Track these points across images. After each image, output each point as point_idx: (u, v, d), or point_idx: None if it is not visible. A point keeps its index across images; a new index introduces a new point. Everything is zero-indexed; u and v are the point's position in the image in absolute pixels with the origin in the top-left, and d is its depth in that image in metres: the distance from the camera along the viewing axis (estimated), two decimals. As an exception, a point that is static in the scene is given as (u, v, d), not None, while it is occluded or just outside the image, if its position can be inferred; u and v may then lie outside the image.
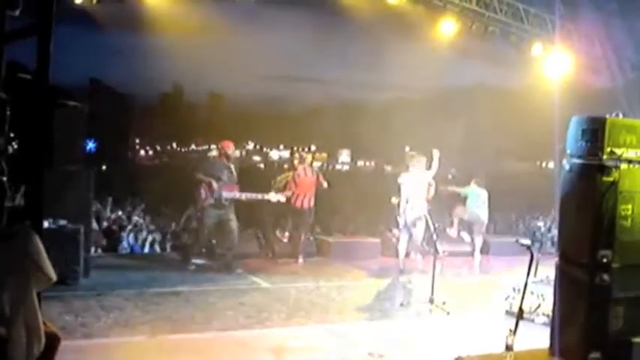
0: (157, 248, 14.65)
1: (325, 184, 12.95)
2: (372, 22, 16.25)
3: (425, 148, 12.52)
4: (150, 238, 14.69)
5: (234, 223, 11.53)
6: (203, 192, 11.45)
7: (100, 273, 10.72)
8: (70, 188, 9.68)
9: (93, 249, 12.10)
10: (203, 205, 11.49)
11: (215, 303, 9.32)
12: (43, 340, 3.41)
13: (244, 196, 11.67)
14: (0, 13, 3.40)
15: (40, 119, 3.24)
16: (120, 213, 15.72)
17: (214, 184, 11.34)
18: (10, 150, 3.53)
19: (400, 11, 15.42)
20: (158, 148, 57.03)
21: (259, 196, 11.88)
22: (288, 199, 12.42)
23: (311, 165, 13.40)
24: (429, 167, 12.09)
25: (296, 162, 13.16)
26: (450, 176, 11.43)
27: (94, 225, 12.90)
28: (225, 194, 11.40)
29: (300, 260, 12.73)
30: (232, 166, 11.70)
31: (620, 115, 6.35)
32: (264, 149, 64.23)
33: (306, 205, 12.78)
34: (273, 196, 11.83)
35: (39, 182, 3.14)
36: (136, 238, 14.51)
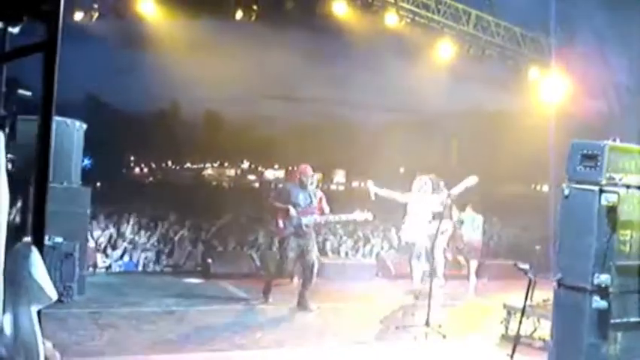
0: (152, 266, 14.58)
1: (327, 210, 11.77)
2: (370, 44, 16.37)
3: (421, 171, 12.50)
4: (144, 256, 14.62)
5: (314, 254, 10.74)
6: (280, 221, 10.66)
7: (95, 291, 10.68)
8: (66, 205, 9.65)
9: (88, 266, 12.04)
10: (283, 234, 10.68)
11: (210, 323, 9.27)
12: (42, 359, 3.38)
13: (325, 219, 11.01)
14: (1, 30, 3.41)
15: (42, 136, 3.22)
16: (115, 230, 15.63)
17: (292, 211, 10.56)
18: (10, 166, 3.53)
19: (398, 33, 15.53)
20: (153, 165, 56.93)
21: (343, 217, 11.36)
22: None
23: (317, 187, 12.27)
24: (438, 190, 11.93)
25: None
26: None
27: (89, 242, 12.84)
28: (305, 220, 10.62)
29: (295, 280, 12.42)
30: (310, 191, 10.91)
31: (618, 141, 6.39)
32: (259, 168, 64.23)
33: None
34: (358, 215, 11.05)
35: (42, 199, 3.12)
36: (130, 256, 14.44)
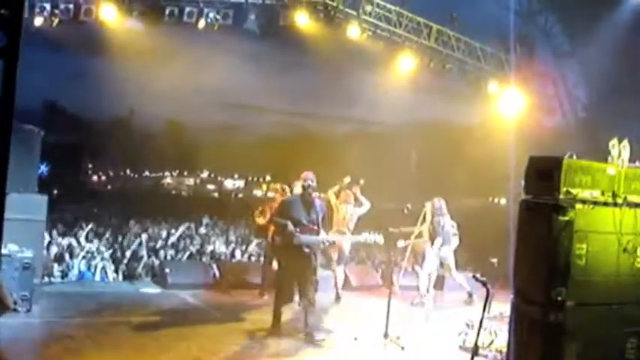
0: (109, 275, 14.38)
1: None
2: (332, 55, 16.42)
3: (378, 181, 12.58)
4: (101, 265, 14.42)
5: (313, 277, 9.53)
6: (278, 239, 9.58)
7: (50, 300, 10.49)
8: (22, 213, 9.47)
9: (43, 275, 11.83)
10: (278, 253, 9.75)
11: (168, 333, 9.17)
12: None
13: (329, 240, 9.90)
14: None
15: (0, 143, 3.17)
16: (71, 239, 15.40)
17: (290, 227, 9.25)
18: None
19: (360, 46, 15.62)
20: (111, 173, 56.30)
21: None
22: (267, 234, 11.70)
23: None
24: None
25: (272, 194, 12.25)
26: (405, 211, 11.36)
27: (45, 251, 12.63)
28: (305, 239, 9.30)
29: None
30: (317, 205, 9.52)
31: (574, 157, 6.50)
32: (219, 178, 63.86)
33: None
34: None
35: (0, 209, 3.07)
36: (87, 265, 14.24)
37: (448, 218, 12.56)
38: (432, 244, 12.45)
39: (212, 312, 10.88)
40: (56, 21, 13.27)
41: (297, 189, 11.57)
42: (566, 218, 6.15)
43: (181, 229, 17.46)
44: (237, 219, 19.55)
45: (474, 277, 6.79)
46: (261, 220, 11.97)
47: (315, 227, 9.35)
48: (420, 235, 12.87)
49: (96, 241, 15.51)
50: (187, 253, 15.83)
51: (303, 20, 14.57)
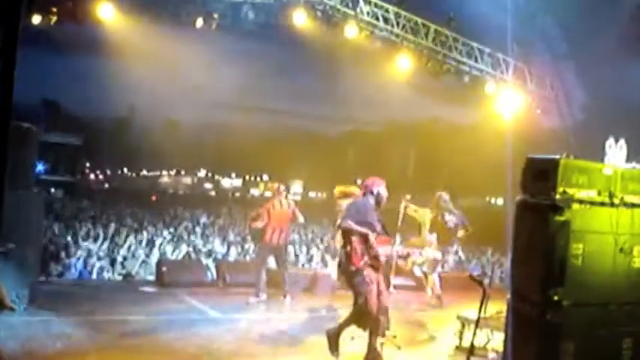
0: (106, 275, 14.40)
1: (301, 219, 11.92)
2: (329, 55, 16.45)
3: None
4: (99, 265, 14.43)
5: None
6: (359, 248, 7.88)
7: (47, 299, 10.47)
8: (19, 211, 9.47)
9: (41, 274, 11.83)
10: (358, 266, 7.86)
11: (165, 332, 9.18)
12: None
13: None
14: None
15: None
16: (68, 237, 15.42)
17: (371, 238, 8.00)
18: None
19: (357, 46, 15.65)
20: (109, 172, 56.35)
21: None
22: (263, 235, 11.66)
23: (287, 197, 12.03)
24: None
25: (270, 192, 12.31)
26: (408, 197, 11.15)
27: (42, 249, 12.63)
28: (383, 250, 8.42)
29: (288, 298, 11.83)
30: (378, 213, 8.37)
31: (571, 156, 6.51)
32: (216, 177, 63.89)
33: (282, 241, 11.74)
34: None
35: (-1, 207, 3.08)
36: (84, 264, 14.24)
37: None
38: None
39: (209, 311, 10.88)
40: (54, 19, 13.27)
41: (295, 188, 11.67)
42: (563, 218, 6.16)
43: (179, 227, 17.48)
44: (234, 217, 19.57)
45: (470, 276, 6.79)
46: (258, 224, 11.89)
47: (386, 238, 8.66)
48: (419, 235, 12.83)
49: (93, 240, 15.53)
50: (184, 251, 15.84)
51: (301, 20, 14.60)
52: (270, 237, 11.62)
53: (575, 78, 15.80)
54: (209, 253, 15.86)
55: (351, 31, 15.05)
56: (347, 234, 7.89)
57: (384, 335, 8.18)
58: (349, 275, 7.96)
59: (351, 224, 7.87)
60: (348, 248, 7.85)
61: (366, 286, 7.78)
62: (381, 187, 8.28)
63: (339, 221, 8.11)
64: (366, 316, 7.86)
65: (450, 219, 12.34)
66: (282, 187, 12.01)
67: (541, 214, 6.31)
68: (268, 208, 11.66)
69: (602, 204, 6.46)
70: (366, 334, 8.12)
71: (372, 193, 8.23)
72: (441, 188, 12.57)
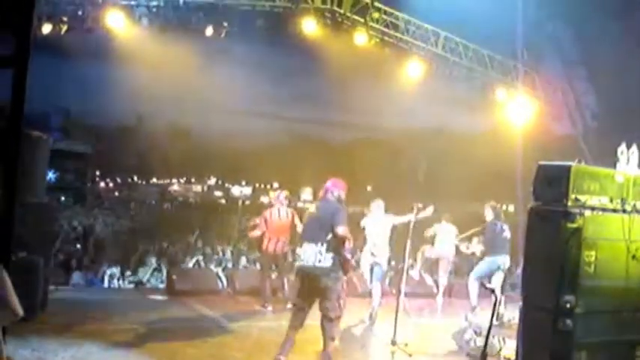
0: (116, 282, 14.43)
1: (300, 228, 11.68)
2: (339, 62, 16.42)
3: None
4: (109, 272, 14.47)
5: None
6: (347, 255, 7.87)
7: (58, 307, 10.49)
8: (30, 220, 9.49)
9: (52, 282, 11.85)
10: (347, 274, 8.01)
11: (176, 340, 9.17)
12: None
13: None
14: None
15: (10, 150, 3.17)
16: (79, 246, 15.48)
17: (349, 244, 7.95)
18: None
19: (367, 52, 15.64)
20: (119, 180, 56.48)
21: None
22: (260, 244, 11.60)
23: (288, 205, 11.71)
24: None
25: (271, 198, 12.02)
26: (420, 205, 10.95)
27: (53, 258, 12.67)
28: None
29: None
30: None
31: (582, 163, 6.49)
32: (226, 185, 63.97)
33: (279, 250, 11.52)
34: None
35: (10, 215, 3.07)
36: (95, 272, 14.29)
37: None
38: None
39: (219, 319, 10.86)
40: (64, 28, 13.32)
41: (305, 195, 11.54)
42: (575, 225, 6.14)
43: (191, 236, 17.51)
44: (244, 226, 19.57)
45: (482, 284, 6.77)
46: (256, 233, 11.80)
47: None
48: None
49: (104, 248, 15.58)
50: (194, 259, 15.86)
51: (310, 27, 14.61)
52: (267, 246, 11.49)
53: (587, 84, 15.74)
54: (219, 262, 15.88)
55: (360, 38, 15.05)
56: (342, 241, 7.67)
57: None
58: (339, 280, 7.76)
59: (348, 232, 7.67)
60: (340, 255, 7.65)
61: (344, 293, 7.85)
62: (342, 191, 8.07)
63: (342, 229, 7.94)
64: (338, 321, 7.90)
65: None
66: (283, 196, 11.71)
67: (553, 221, 6.29)
68: (265, 217, 11.47)
69: (615, 211, 6.43)
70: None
71: (333, 194, 8.03)
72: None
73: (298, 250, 7.97)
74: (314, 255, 7.63)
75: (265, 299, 11.64)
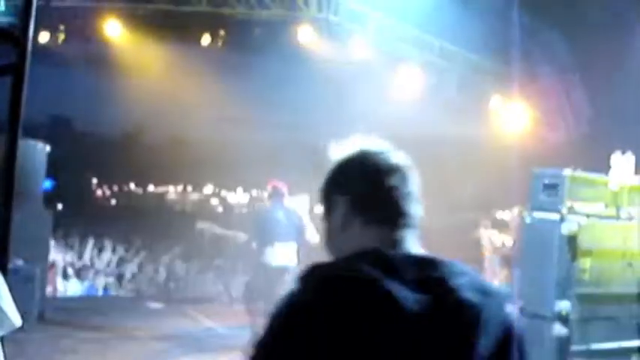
0: (113, 291, 14.41)
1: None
2: (335, 71, 16.44)
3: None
4: (106, 280, 14.45)
5: None
6: None
7: (55, 315, 10.48)
8: (27, 228, 9.49)
9: (48, 290, 11.84)
10: None
11: (173, 348, 9.17)
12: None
13: None
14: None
15: (8, 158, 3.20)
16: (76, 254, 15.43)
17: None
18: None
19: (363, 61, 15.67)
20: (116, 188, 56.35)
21: None
22: None
23: None
24: None
25: None
26: None
27: (50, 266, 12.65)
28: None
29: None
30: None
31: (578, 170, 6.51)
32: (222, 193, 63.85)
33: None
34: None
35: (7, 222, 3.10)
36: (92, 280, 14.26)
37: None
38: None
39: (217, 327, 10.86)
40: (62, 37, 13.34)
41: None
42: (570, 233, 6.16)
43: (185, 244, 17.48)
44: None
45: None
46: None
47: None
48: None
49: (100, 256, 15.54)
50: (192, 267, 15.85)
51: (306, 36, 14.65)
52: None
53: (581, 90, 15.76)
54: (216, 268, 15.86)
55: (356, 46, 15.08)
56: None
57: None
58: None
59: None
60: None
61: None
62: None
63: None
64: None
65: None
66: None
67: (548, 228, 6.31)
68: None
69: (609, 218, 6.46)
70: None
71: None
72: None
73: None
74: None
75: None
